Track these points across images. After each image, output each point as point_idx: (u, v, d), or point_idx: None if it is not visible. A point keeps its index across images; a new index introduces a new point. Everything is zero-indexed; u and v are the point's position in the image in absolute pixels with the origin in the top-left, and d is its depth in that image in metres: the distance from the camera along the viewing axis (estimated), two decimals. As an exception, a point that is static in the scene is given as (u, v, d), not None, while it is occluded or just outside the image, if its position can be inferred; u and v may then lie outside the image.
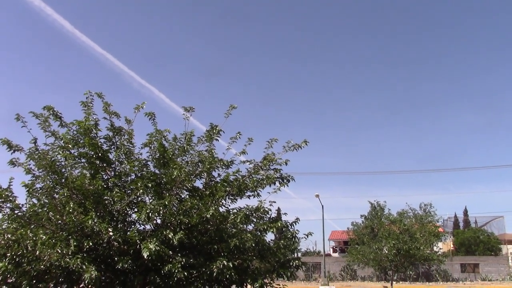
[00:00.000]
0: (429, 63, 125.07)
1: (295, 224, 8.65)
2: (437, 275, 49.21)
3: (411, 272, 47.66)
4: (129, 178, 8.24)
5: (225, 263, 6.93)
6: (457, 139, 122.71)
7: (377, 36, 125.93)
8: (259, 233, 8.08)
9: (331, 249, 66.88)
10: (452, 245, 58.52)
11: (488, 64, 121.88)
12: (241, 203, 8.50)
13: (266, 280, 7.87)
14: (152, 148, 8.54)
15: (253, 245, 7.60)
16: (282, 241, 8.51)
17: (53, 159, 7.83)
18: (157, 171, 8.31)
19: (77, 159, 8.16)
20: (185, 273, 6.72)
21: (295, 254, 43.94)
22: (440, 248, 50.51)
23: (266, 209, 8.21)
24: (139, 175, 8.17)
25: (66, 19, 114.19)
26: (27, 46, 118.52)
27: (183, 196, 8.13)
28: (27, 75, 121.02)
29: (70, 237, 6.87)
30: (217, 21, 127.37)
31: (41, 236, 6.79)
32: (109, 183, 8.00)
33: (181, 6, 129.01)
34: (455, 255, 53.75)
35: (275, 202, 8.27)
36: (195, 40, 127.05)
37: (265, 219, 8.32)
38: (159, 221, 7.55)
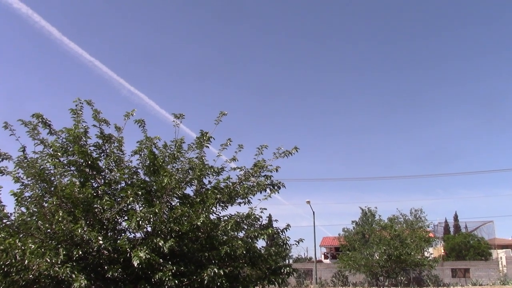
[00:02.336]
0: (422, 67, 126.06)
1: (286, 230, 8.66)
2: (428, 280, 49.36)
3: (402, 278, 47.73)
4: (119, 186, 8.22)
5: (216, 271, 6.92)
6: (448, 144, 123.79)
7: (373, 40, 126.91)
8: (250, 240, 8.08)
9: (323, 256, 66.93)
10: (442, 250, 58.85)
11: (483, 69, 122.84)
12: (232, 210, 8.52)
13: (257, 287, 7.86)
14: (142, 155, 8.53)
15: (244, 252, 7.60)
16: (273, 248, 8.52)
17: (42, 167, 7.79)
18: (147, 179, 8.29)
19: (66, 167, 8.12)
20: (176, 281, 6.69)
21: (286, 261, 43.89)
22: (431, 253, 50.85)
23: (257, 216, 8.22)
24: (129, 182, 8.15)
25: (54, 26, 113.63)
26: (14, 53, 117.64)
27: (173, 204, 8.11)
28: (15, 83, 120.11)
29: (59, 246, 6.83)
30: (207, 26, 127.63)
31: (30, 245, 6.75)
32: (99, 191, 7.96)
33: (170, 12, 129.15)
34: (445, 260, 54.05)
35: (266, 209, 8.30)
36: (184, 46, 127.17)
37: (256, 226, 8.33)
38: (149, 229, 7.53)
